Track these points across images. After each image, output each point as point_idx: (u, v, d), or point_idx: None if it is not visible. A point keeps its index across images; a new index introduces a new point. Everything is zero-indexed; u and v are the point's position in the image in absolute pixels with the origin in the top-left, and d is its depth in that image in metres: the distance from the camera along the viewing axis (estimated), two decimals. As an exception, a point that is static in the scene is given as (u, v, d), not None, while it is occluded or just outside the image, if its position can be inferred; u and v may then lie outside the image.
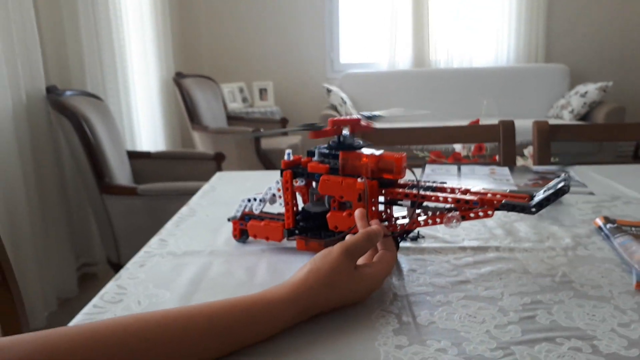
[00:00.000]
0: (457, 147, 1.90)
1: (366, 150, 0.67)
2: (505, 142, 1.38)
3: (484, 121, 1.76)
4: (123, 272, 0.68)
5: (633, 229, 0.75)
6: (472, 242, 0.76)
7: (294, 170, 0.71)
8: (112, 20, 2.71)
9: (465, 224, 0.81)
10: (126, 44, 2.92)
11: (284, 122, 4.20)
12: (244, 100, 4.48)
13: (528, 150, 1.81)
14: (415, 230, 0.76)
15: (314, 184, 0.71)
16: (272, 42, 4.65)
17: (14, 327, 1.05)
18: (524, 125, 1.65)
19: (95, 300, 0.60)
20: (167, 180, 2.35)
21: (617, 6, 4.46)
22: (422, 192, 0.64)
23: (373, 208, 0.65)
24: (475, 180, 1.12)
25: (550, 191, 0.58)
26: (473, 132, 1.41)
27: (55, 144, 2.26)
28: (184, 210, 0.96)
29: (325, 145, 0.70)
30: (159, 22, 3.65)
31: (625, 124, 1.65)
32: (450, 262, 0.69)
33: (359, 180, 0.64)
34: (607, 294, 0.59)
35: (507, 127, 1.38)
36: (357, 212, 0.63)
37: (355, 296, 0.57)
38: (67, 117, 2.02)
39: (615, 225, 0.77)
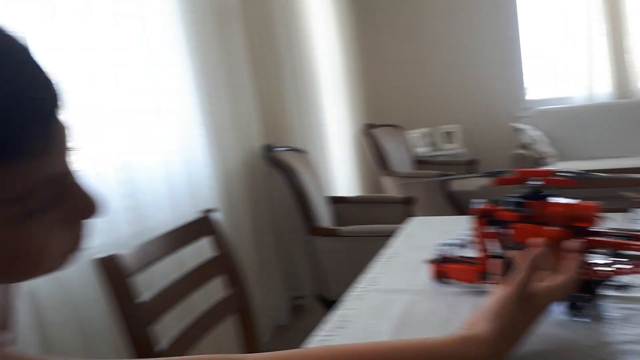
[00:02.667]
0: None
1: (558, 199, 0.72)
2: None
3: None
4: (344, 304, 0.82)
5: None
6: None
7: (486, 217, 0.79)
8: (310, 85, 3.10)
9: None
10: (323, 104, 3.29)
11: (471, 163, 4.17)
12: (430, 144, 4.59)
13: None
14: (621, 278, 0.76)
15: (504, 230, 0.77)
16: (456, 85, 4.70)
17: (252, 348, 1.28)
18: None
19: (325, 325, 0.75)
20: (362, 222, 2.54)
21: None
22: (618, 240, 0.66)
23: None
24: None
25: None
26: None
27: (269, 193, 2.64)
28: (388, 252, 1.09)
29: (517, 194, 0.77)
30: (350, 81, 4.02)
31: None
32: (658, 311, 0.69)
33: (549, 228, 0.69)
34: None
35: None
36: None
37: (535, 315, 0.61)
38: (280, 170, 2.36)
39: None
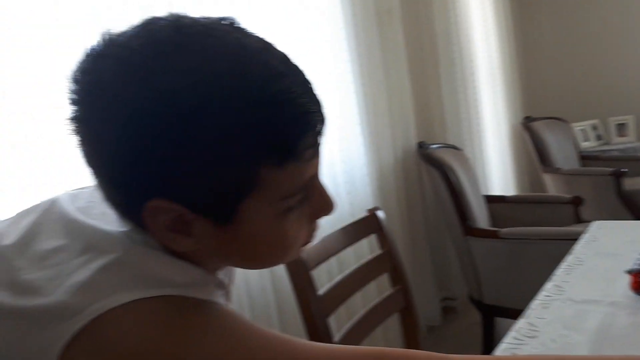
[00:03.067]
0: None
1: None
2: None
3: None
4: (530, 312, 0.78)
5: None
6: None
7: None
8: (467, 80, 2.99)
9: None
10: (478, 97, 3.15)
11: (649, 159, 3.68)
12: (598, 137, 4.15)
13: None
14: None
15: None
16: (630, 72, 4.18)
17: (415, 346, 1.28)
18: None
19: (513, 333, 0.72)
20: (522, 224, 2.39)
21: None
22: None
23: None
24: None
25: None
26: None
27: (422, 190, 2.61)
28: (570, 259, 1.01)
29: None
30: (507, 73, 3.79)
31: None
32: None
33: None
34: None
35: None
36: None
37: None
38: (435, 167, 2.32)
39: None
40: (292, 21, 1.79)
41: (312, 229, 0.48)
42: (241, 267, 0.53)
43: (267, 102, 0.40)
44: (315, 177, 0.46)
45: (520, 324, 0.74)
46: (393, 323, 1.35)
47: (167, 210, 0.41)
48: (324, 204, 0.47)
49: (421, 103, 2.73)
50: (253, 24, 0.47)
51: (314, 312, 0.94)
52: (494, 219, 2.63)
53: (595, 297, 0.80)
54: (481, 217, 2.43)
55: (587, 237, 1.13)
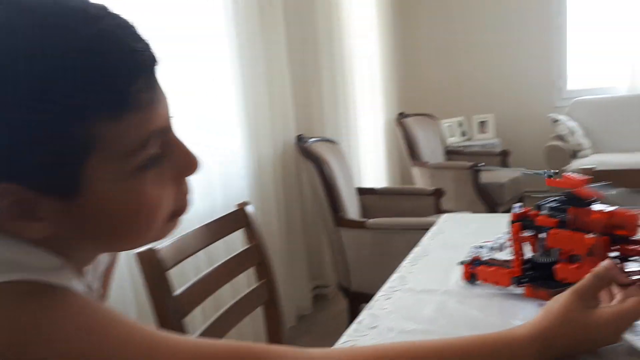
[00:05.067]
0: None
1: (597, 207, 0.70)
2: None
3: None
4: (374, 303, 0.83)
5: None
6: None
7: (523, 222, 0.78)
8: (346, 75, 3.09)
9: None
10: (357, 93, 3.27)
11: (504, 154, 4.10)
12: (463, 134, 4.52)
13: None
14: None
15: (541, 235, 0.76)
16: (492, 74, 4.61)
17: (277, 338, 1.30)
18: None
19: (355, 325, 0.76)
20: (390, 214, 2.54)
21: None
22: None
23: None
24: None
25: None
26: None
27: (300, 183, 2.65)
28: (417, 250, 1.09)
29: (555, 199, 0.75)
30: (385, 70, 3.98)
31: None
32: (698, 323, 0.67)
33: (589, 235, 0.68)
34: None
35: None
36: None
37: (598, 338, 0.59)
38: (311, 160, 2.37)
39: None
40: (168, 6, 1.71)
41: (181, 191, 0.44)
42: (110, 250, 0.48)
43: (86, 46, 0.36)
44: (167, 131, 0.42)
45: (363, 315, 0.79)
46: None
47: (1, 194, 0.37)
48: (186, 161, 0.43)
49: (302, 97, 2.77)
50: (126, 9, 0.44)
51: (169, 313, 0.91)
52: (366, 210, 2.75)
53: (433, 286, 0.88)
54: (352, 208, 2.54)
55: (434, 230, 1.23)
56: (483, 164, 3.49)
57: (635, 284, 0.64)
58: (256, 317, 1.62)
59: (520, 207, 0.79)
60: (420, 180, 3.66)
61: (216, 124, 1.94)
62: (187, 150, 0.43)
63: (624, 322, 0.60)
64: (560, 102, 4.43)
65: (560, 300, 0.59)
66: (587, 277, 0.60)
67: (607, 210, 0.68)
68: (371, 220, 2.28)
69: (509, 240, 0.79)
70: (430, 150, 3.97)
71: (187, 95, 1.76)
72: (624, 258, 0.69)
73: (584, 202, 0.71)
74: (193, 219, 1.69)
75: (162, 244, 0.97)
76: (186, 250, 1.03)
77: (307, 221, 2.74)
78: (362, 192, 2.80)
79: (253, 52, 2.19)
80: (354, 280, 2.39)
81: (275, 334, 1.31)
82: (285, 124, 2.52)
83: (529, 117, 4.51)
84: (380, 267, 2.13)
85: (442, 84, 4.76)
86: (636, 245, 0.67)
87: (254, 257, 1.26)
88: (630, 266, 0.69)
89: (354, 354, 0.54)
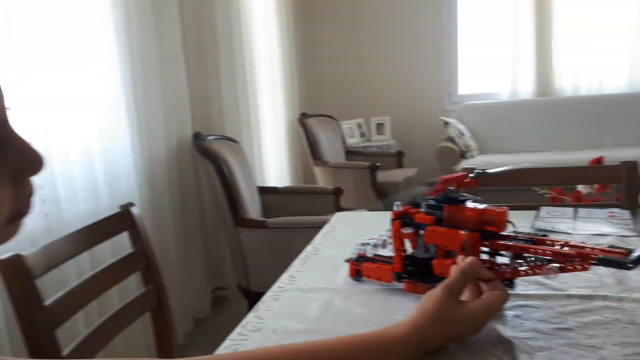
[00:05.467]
0: (580, 185, 1.84)
1: (470, 204, 0.74)
2: (628, 184, 1.33)
3: (608, 157, 1.69)
4: (261, 305, 0.81)
5: None
6: (579, 290, 0.78)
7: (403, 219, 0.80)
8: (247, 73, 3.04)
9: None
10: (258, 92, 3.24)
11: (399, 155, 4.28)
12: (362, 135, 4.65)
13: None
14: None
15: (420, 232, 0.79)
16: (390, 79, 4.79)
17: (167, 344, 1.25)
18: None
19: (238, 329, 0.74)
20: (292, 213, 2.54)
21: None
22: (522, 245, 0.69)
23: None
24: (591, 224, 1.12)
25: (650, 248, 0.60)
26: (594, 173, 1.39)
27: (198, 183, 2.57)
28: (308, 249, 1.09)
29: (432, 198, 0.79)
30: (287, 70, 3.98)
31: None
32: (555, 310, 0.73)
33: (462, 232, 0.71)
34: None
35: (630, 169, 1.34)
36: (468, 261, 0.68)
37: (465, 330, 0.63)
38: (209, 160, 2.30)
39: None
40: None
41: (21, 193, 0.39)
42: None
43: None
44: (4, 123, 0.37)
45: (249, 318, 0.77)
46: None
47: None
48: (27, 159, 0.38)
49: (199, 93, 2.68)
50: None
51: (38, 325, 0.83)
52: (268, 209, 2.73)
53: (321, 285, 0.88)
54: (254, 208, 2.51)
55: (327, 228, 1.24)
56: (379, 164, 3.62)
57: (496, 279, 0.68)
58: (147, 323, 1.55)
59: (400, 205, 0.81)
60: (322, 179, 3.71)
61: (99, 118, 1.81)
62: (28, 146, 0.38)
63: (488, 314, 0.64)
64: (450, 106, 4.71)
65: (433, 298, 0.62)
66: (454, 273, 0.64)
67: (478, 208, 0.72)
68: (271, 220, 2.27)
69: (390, 237, 0.81)
70: (332, 150, 4.04)
71: (62, 85, 1.62)
72: (494, 253, 0.73)
73: (458, 200, 0.75)
74: (75, 221, 1.57)
75: (30, 250, 0.89)
76: (60, 256, 0.95)
77: (205, 222, 2.67)
78: (264, 191, 2.78)
79: (145, 45, 2.08)
80: (253, 280, 2.36)
81: (164, 341, 1.25)
82: (181, 121, 2.43)
83: (422, 120, 4.75)
84: (280, 267, 2.13)
85: (343, 86, 4.87)
86: (505, 240, 0.71)
87: (140, 261, 1.20)
88: (500, 260, 0.74)
89: None
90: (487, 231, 0.72)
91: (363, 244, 0.86)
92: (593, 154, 2.27)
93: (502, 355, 0.61)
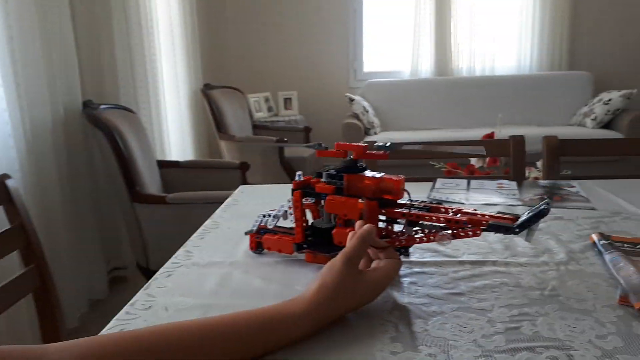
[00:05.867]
0: (472, 158, 1.95)
1: (368, 173, 0.74)
2: (515, 157, 1.42)
3: (499, 133, 1.80)
4: (152, 282, 0.76)
5: (625, 245, 0.80)
6: (471, 257, 0.82)
7: (304, 190, 0.78)
8: (144, 37, 2.84)
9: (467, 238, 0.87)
10: (157, 59, 3.05)
11: (307, 130, 4.28)
12: (270, 109, 4.59)
13: (541, 163, 1.84)
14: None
15: (321, 202, 0.77)
16: (296, 53, 4.75)
17: (53, 327, 1.15)
18: (545, 134, 1.67)
19: (127, 307, 0.68)
20: (195, 188, 2.45)
21: (644, 12, 4.42)
22: (417, 212, 0.70)
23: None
24: (482, 195, 1.18)
25: (532, 213, 0.63)
26: (485, 148, 1.46)
27: (90, 155, 2.38)
28: (208, 223, 1.04)
29: (332, 168, 0.77)
30: (189, 37, 3.79)
31: (635, 139, 1.67)
32: (449, 276, 0.75)
33: (360, 200, 0.71)
34: (590, 307, 0.64)
35: (518, 143, 1.42)
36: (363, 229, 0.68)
37: (363, 299, 0.63)
38: (101, 130, 2.14)
39: (609, 241, 0.81)
40: None
41: None
42: None
43: None
44: None
45: (138, 295, 0.71)
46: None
47: None
48: None
49: (90, 58, 2.47)
50: None
51: None
52: (169, 184, 2.61)
53: (219, 259, 0.84)
54: (153, 183, 2.38)
55: (228, 201, 1.20)
56: (286, 139, 3.59)
57: (390, 246, 0.69)
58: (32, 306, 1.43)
59: (301, 175, 0.79)
60: (228, 154, 3.62)
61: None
62: None
63: (385, 282, 0.64)
64: (355, 83, 4.78)
65: (332, 271, 0.60)
66: (352, 241, 0.63)
67: (376, 177, 0.72)
68: (171, 195, 2.16)
69: (291, 208, 0.79)
70: (238, 124, 3.95)
71: None
72: (391, 220, 0.74)
73: (357, 169, 0.74)
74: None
75: None
76: None
77: (100, 197, 2.49)
78: (164, 165, 2.65)
79: (20, 2, 1.86)
80: (153, 259, 2.25)
81: (49, 324, 1.15)
82: (69, 88, 2.23)
83: (329, 96, 4.78)
84: (182, 244, 2.06)
85: (249, 58, 4.75)
86: (401, 208, 0.72)
87: (18, 238, 1.08)
88: (396, 228, 0.75)
89: (94, 342, 0.48)
90: (385, 199, 0.72)
91: (264, 216, 0.84)
92: (486, 131, 2.41)
93: (397, 322, 0.62)
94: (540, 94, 4.40)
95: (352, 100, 4.28)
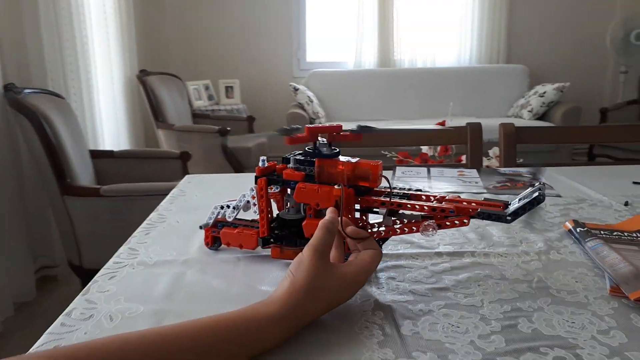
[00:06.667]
0: (424, 147, 1.92)
1: (342, 158, 0.66)
2: (472, 145, 1.40)
3: (450, 122, 1.78)
4: (92, 286, 0.65)
5: (602, 232, 0.77)
6: (447, 248, 0.76)
7: (269, 177, 0.69)
8: (74, 17, 2.62)
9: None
10: (89, 41, 2.83)
11: (250, 120, 4.16)
12: (210, 97, 4.42)
13: (493, 151, 1.85)
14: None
15: (289, 191, 0.69)
16: (238, 40, 4.59)
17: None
18: (485, 125, 1.67)
19: (62, 318, 0.57)
20: (131, 180, 2.28)
21: (574, 12, 4.61)
22: (398, 200, 0.63)
23: (349, 216, 0.64)
24: (445, 183, 1.13)
25: (526, 200, 0.58)
26: (442, 135, 1.43)
27: (13, 143, 2.16)
28: (153, 216, 0.93)
29: (301, 152, 0.69)
30: (123, 19, 3.55)
31: (586, 127, 1.70)
32: (428, 269, 0.69)
33: (335, 187, 0.63)
34: (584, 300, 0.60)
35: (475, 130, 1.40)
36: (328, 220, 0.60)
37: (340, 297, 0.56)
38: (26, 116, 1.94)
39: (585, 229, 0.78)
40: None
41: None
42: None
43: None
44: None
45: (75, 303, 0.60)
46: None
47: None
48: None
49: (13, 38, 2.24)
50: None
51: None
52: (103, 176, 2.43)
53: (170, 257, 0.74)
54: (85, 174, 2.20)
55: (174, 192, 1.09)
56: (229, 128, 3.46)
57: (370, 237, 0.62)
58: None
59: (265, 161, 0.71)
60: (166, 144, 3.44)
61: None
62: None
63: (364, 277, 0.57)
64: (299, 73, 4.69)
65: (302, 267, 0.53)
66: (317, 232, 0.56)
67: (351, 161, 0.65)
68: (106, 187, 2.00)
69: (254, 197, 0.70)
70: (177, 112, 3.76)
71: None
72: (367, 210, 0.67)
73: (331, 154, 0.67)
74: None
75: None
76: None
77: (26, 190, 2.27)
78: (97, 155, 2.46)
79: None
80: (87, 256, 2.08)
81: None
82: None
83: (272, 85, 4.67)
84: (119, 240, 1.91)
85: (188, 44, 4.55)
86: (378, 197, 0.65)
87: None
88: (372, 219, 0.68)
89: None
90: (361, 187, 0.65)
91: (221, 207, 0.74)
92: (430, 123, 2.41)
93: (383, 323, 0.55)
94: (480, 86, 4.50)
95: (296, 89, 4.20)
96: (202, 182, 1.18)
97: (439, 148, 1.92)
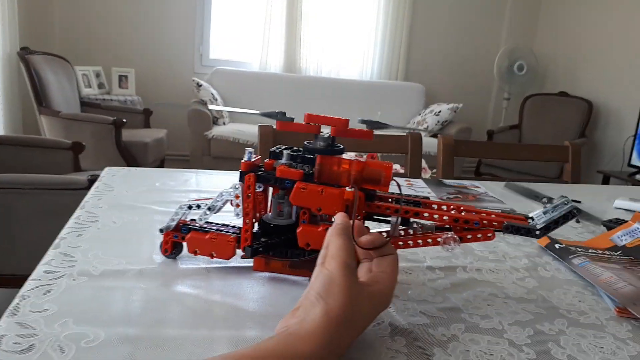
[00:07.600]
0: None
1: (347, 156, 0.58)
2: (412, 154, 1.38)
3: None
4: (21, 304, 0.48)
5: (579, 249, 0.76)
6: (436, 262, 0.70)
7: (257, 174, 0.58)
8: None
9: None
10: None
11: (147, 113, 3.86)
12: (100, 86, 4.03)
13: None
14: None
15: (271, 190, 0.59)
16: (136, 27, 4.26)
17: None
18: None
19: (-9, 348, 0.41)
20: (9, 170, 1.96)
21: (466, 39, 4.96)
22: (414, 208, 0.56)
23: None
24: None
25: (558, 214, 0.54)
26: (383, 143, 1.39)
27: None
28: (80, 214, 0.76)
29: (289, 147, 0.60)
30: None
31: (523, 145, 1.78)
32: (427, 285, 0.63)
33: (347, 189, 0.54)
34: (597, 322, 0.57)
35: (415, 140, 1.38)
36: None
37: (368, 323, 0.47)
38: None
39: (564, 246, 0.77)
40: None
41: None
42: None
43: None
44: None
45: (3, 329, 0.44)
46: None
47: None
48: None
49: None
50: None
51: None
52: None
53: (119, 266, 0.59)
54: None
55: (99, 187, 0.91)
56: (125, 120, 3.16)
57: (388, 241, 0.53)
58: None
59: (252, 154, 0.59)
60: (50, 132, 3.05)
61: None
62: None
63: (390, 296, 0.49)
64: (201, 69, 4.47)
65: (335, 287, 0.43)
66: (341, 242, 0.46)
67: (359, 161, 0.56)
68: (-17, 176, 1.68)
69: (238, 197, 0.58)
70: (65, 98, 3.37)
71: None
72: (370, 216, 0.59)
73: (337, 150, 0.57)
74: None
75: None
76: None
77: None
78: (-33, 139, 2.09)
79: None
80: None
81: None
82: None
83: (172, 79, 4.40)
84: (7, 240, 1.61)
85: (79, 25, 4.11)
86: (385, 202, 0.57)
87: None
88: (374, 227, 0.59)
89: None
90: (368, 190, 0.57)
91: (189, 207, 0.61)
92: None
93: (409, 352, 0.47)
94: (380, 100, 4.63)
95: (200, 85, 3.98)
96: (127, 175, 1.01)
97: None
